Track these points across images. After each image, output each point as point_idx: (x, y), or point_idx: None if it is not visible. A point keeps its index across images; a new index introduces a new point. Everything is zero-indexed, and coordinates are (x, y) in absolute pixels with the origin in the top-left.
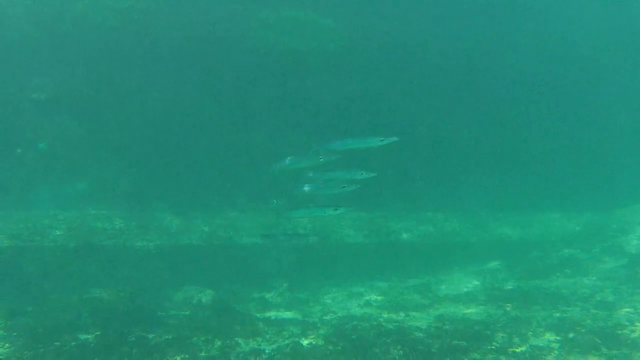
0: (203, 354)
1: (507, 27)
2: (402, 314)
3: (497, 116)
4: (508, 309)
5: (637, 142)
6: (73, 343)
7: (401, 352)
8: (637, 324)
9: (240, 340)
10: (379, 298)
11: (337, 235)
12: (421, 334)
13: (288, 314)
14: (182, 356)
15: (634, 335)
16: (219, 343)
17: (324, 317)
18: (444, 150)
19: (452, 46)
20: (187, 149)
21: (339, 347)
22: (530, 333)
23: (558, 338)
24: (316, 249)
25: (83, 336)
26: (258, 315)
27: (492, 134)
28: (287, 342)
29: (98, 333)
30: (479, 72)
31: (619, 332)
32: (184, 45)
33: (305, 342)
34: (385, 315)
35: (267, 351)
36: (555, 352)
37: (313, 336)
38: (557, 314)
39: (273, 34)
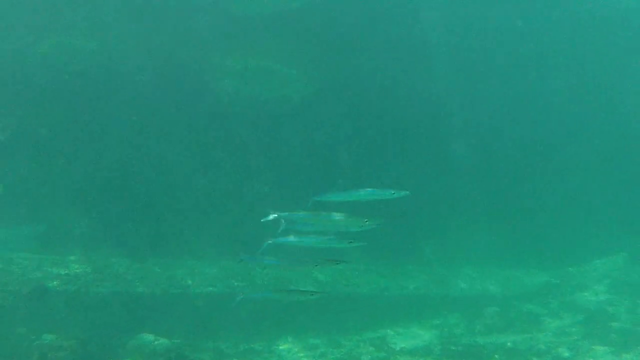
0: None
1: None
2: None
3: (460, 170)
4: None
5: (594, 201)
6: None
7: None
8: None
9: None
10: (335, 350)
11: (295, 286)
12: None
13: None
14: None
15: None
16: None
17: None
18: (408, 204)
19: (418, 99)
20: (146, 194)
21: None
22: None
23: None
24: (274, 299)
25: None
26: None
27: (455, 188)
28: None
29: None
30: (442, 127)
31: None
32: (148, 90)
33: None
34: None
35: None
36: None
37: None
38: None
39: (237, 83)
